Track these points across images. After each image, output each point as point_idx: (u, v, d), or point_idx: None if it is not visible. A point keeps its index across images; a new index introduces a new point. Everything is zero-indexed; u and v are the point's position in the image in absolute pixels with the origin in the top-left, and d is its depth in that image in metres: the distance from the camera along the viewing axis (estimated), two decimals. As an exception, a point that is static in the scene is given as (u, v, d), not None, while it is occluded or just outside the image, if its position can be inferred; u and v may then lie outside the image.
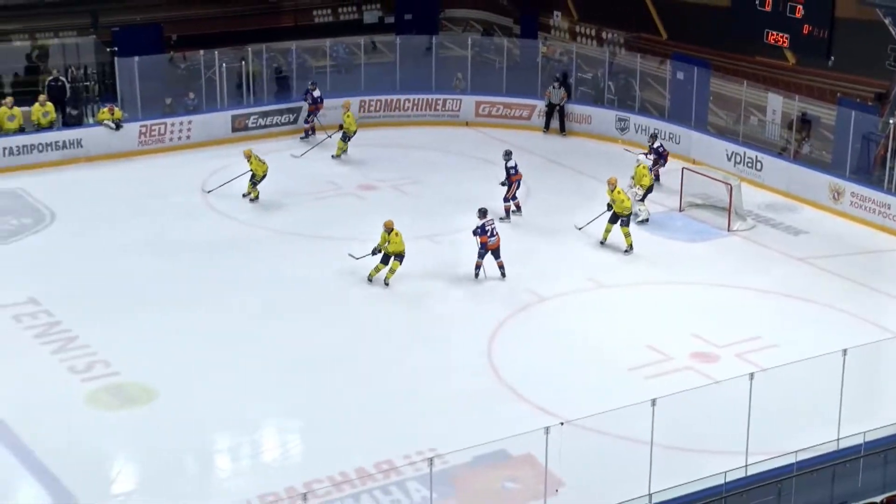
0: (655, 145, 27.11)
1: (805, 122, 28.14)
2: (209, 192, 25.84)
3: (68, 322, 20.05)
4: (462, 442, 15.62)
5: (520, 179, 24.89)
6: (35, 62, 30.70)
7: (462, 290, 21.99)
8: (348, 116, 28.17)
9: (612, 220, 23.48)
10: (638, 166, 25.37)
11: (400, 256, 21.52)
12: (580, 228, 24.08)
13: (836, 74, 28.19)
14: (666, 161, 27.13)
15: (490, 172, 26.04)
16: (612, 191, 23.38)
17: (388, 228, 21.41)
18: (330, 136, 29.03)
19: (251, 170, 25.42)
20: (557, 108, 30.76)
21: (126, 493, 15.96)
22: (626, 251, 23.43)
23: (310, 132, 29.83)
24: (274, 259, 22.99)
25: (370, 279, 21.71)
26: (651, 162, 26.60)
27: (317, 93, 29.70)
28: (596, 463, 15.90)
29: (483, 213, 22.05)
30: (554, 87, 30.82)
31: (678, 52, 31.36)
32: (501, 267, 22.13)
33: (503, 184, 24.82)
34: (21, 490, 15.82)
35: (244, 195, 25.66)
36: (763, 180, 27.53)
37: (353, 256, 22.02)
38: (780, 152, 28.01)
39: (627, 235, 23.46)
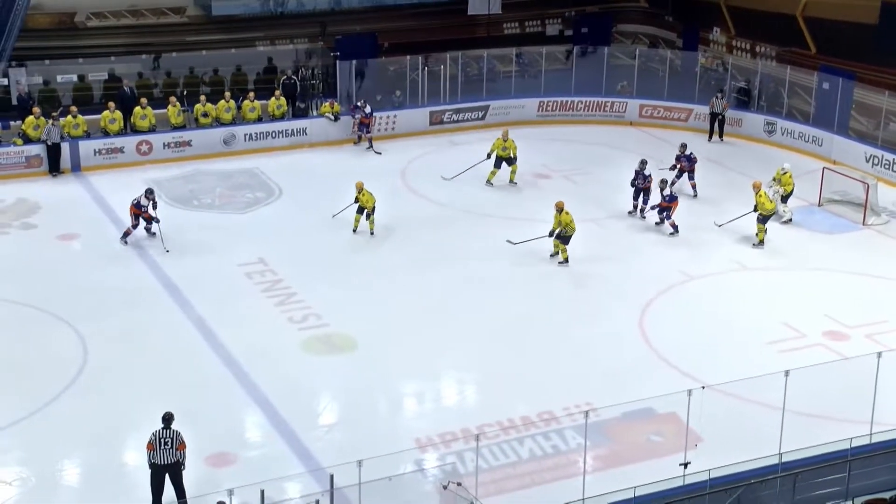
0: (687, 153, 25.46)
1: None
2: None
3: (289, 280, 20.52)
4: (614, 399, 15.44)
5: (649, 187, 23.79)
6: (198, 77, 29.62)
7: (621, 267, 21.54)
8: (510, 143, 26.03)
9: (761, 221, 22.44)
10: (784, 174, 24.23)
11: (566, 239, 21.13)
12: (720, 226, 23.26)
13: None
14: (694, 167, 25.27)
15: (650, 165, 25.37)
16: (756, 193, 22.48)
17: (559, 209, 21.08)
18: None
19: (359, 201, 22.49)
20: (719, 116, 29.81)
21: (329, 425, 16.27)
22: (754, 245, 22.44)
23: (368, 144, 28.28)
24: (462, 236, 22.96)
25: (566, 262, 21.28)
26: (676, 172, 25.12)
27: (367, 108, 28.30)
28: (732, 424, 15.41)
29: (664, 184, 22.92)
30: (717, 98, 29.81)
31: (825, 65, 29.92)
32: (675, 226, 22.69)
33: (633, 183, 23.81)
34: (248, 417, 16.32)
35: (353, 231, 22.86)
36: (898, 181, 26.13)
37: (511, 242, 21.73)
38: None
39: (760, 232, 22.44)
